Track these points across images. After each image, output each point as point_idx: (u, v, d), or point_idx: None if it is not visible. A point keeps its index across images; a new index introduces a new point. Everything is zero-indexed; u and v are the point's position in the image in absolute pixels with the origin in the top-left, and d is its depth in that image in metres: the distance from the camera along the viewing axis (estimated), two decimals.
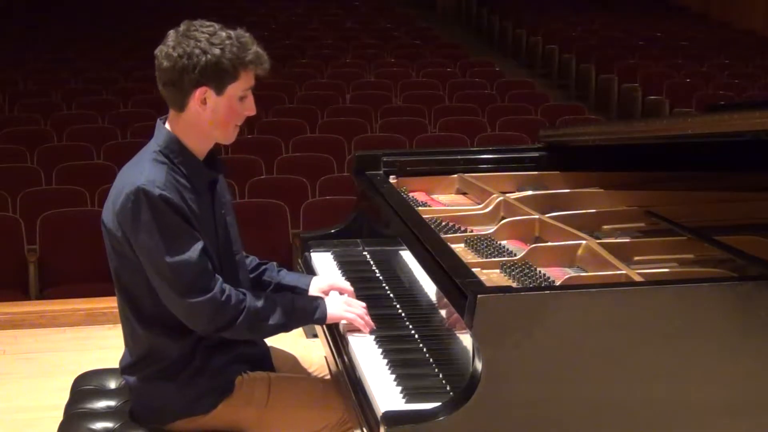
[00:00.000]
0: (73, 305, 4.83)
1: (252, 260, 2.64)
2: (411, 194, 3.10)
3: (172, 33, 2.25)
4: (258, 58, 2.26)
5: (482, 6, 14.19)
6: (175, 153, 2.29)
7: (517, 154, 3.29)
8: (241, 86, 2.27)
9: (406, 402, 2.02)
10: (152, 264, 2.22)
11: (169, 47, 2.23)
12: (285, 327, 2.38)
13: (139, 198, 2.19)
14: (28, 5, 12.22)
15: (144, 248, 2.21)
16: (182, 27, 2.25)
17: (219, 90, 2.24)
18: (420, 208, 2.87)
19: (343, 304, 2.43)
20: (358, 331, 2.41)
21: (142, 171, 2.24)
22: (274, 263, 2.69)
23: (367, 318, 2.42)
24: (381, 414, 1.94)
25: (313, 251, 3.12)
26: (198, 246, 2.23)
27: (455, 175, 3.22)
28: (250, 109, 2.32)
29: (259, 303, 2.32)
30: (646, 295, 1.97)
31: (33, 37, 10.68)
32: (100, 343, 4.46)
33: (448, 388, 2.09)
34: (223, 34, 2.23)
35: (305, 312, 2.41)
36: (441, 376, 2.15)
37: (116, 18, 11.88)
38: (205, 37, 2.21)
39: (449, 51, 11.43)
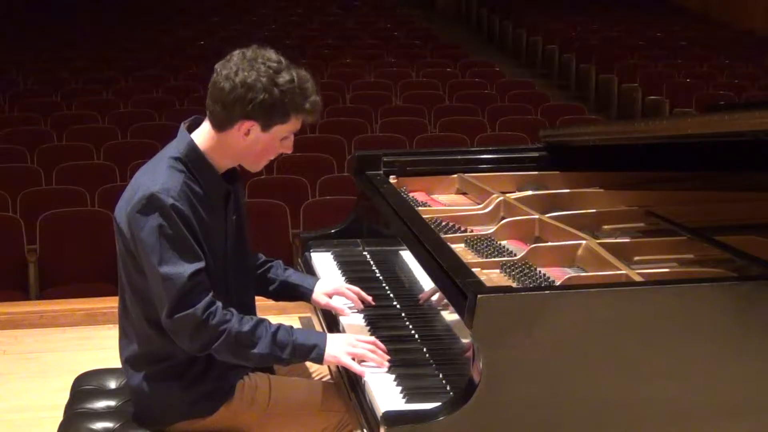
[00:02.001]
0: (73, 305, 4.82)
1: (258, 257, 2.64)
2: (411, 194, 3.10)
3: (237, 54, 2.23)
4: (313, 107, 2.26)
5: (482, 6, 14.19)
6: (194, 162, 2.27)
7: (517, 154, 3.30)
8: (287, 128, 2.27)
9: (406, 402, 2.02)
10: (148, 271, 2.22)
11: (232, 70, 2.20)
12: (276, 359, 2.28)
13: (151, 204, 2.18)
14: (28, 5, 12.21)
15: (145, 254, 2.20)
16: (249, 53, 2.22)
17: (265, 128, 2.24)
18: (420, 208, 2.87)
19: (346, 345, 2.26)
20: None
21: (159, 177, 2.22)
22: (280, 261, 2.68)
23: (379, 352, 2.25)
24: (381, 414, 1.94)
25: (313, 251, 3.12)
26: (195, 265, 2.19)
27: (455, 175, 3.23)
28: (287, 148, 2.34)
29: (245, 328, 2.22)
30: (646, 295, 1.97)
31: (33, 37, 10.67)
32: (100, 343, 4.45)
33: (448, 388, 2.09)
34: (287, 76, 2.20)
35: (302, 348, 2.27)
36: (441, 376, 2.16)
37: (116, 18, 11.87)
38: (270, 73, 2.18)
39: (449, 51, 11.41)
